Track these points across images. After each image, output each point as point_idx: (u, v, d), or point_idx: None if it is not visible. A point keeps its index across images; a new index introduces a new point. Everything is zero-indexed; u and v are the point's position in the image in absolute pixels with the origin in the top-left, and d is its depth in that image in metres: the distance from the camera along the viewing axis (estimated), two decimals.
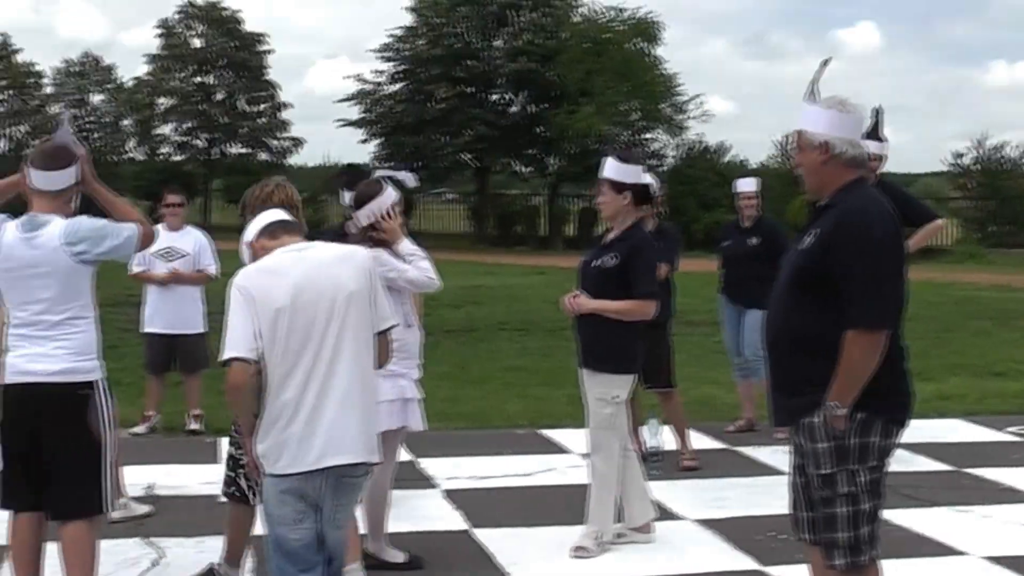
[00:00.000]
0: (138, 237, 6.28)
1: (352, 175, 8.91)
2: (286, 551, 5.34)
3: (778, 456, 10.26)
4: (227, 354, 5.22)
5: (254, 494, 6.78)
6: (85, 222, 6.19)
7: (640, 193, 7.92)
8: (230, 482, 7.03)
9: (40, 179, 6.23)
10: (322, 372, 5.26)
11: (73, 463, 6.14)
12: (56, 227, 6.12)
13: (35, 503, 6.27)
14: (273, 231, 5.60)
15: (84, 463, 6.15)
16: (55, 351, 6.10)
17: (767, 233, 11.43)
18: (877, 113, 9.45)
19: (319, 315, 5.28)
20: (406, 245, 7.44)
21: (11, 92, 66.23)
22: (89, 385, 6.18)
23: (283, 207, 6.81)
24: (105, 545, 6.72)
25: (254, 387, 5.27)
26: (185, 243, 11.29)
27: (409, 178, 8.20)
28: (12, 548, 6.39)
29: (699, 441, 10.83)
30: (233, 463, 6.99)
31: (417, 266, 7.38)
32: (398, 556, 7.56)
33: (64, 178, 6.25)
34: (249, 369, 5.19)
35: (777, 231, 11.64)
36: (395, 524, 7.80)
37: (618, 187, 7.82)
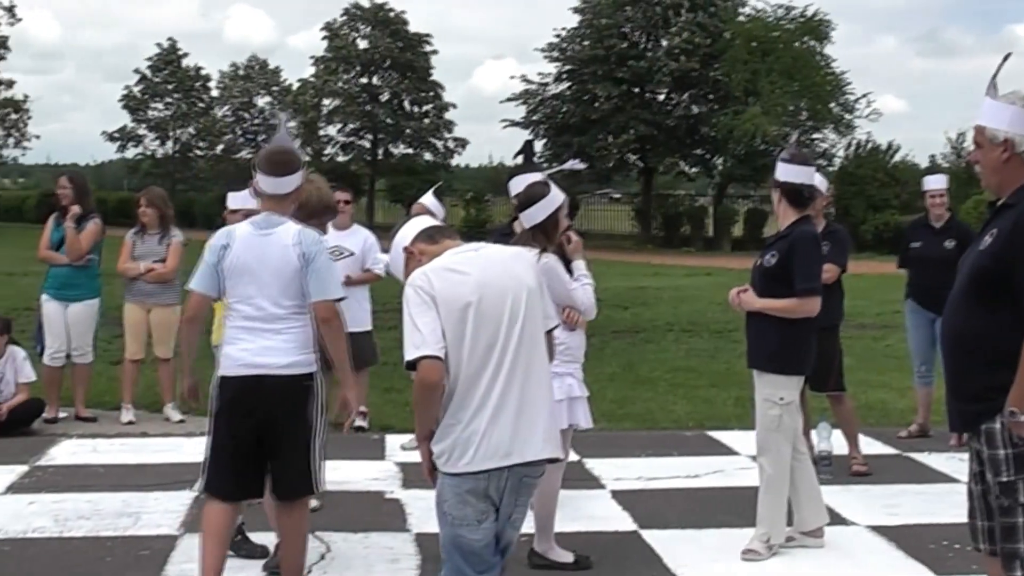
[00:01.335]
0: (324, 302, 6.56)
1: (528, 157, 8.88)
2: (465, 552, 5.31)
3: (953, 463, 10.08)
4: (417, 352, 5.15)
5: None
6: (318, 239, 6.63)
7: (789, 192, 7.78)
8: None
9: (268, 184, 6.64)
10: (507, 368, 5.25)
11: (297, 449, 6.51)
12: (290, 228, 6.55)
13: (239, 492, 6.61)
14: (431, 235, 5.61)
15: (305, 448, 6.53)
16: (281, 344, 6.46)
17: (962, 235, 10.81)
18: None
19: (504, 312, 5.28)
20: (580, 265, 7.50)
21: (178, 95, 67.75)
22: (310, 376, 6.54)
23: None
24: (274, 538, 6.80)
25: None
26: (352, 242, 11.11)
27: (576, 164, 8.15)
28: (207, 530, 6.63)
29: (871, 446, 10.66)
30: None
31: (584, 288, 7.41)
32: (566, 556, 7.55)
33: (289, 183, 6.67)
34: (441, 366, 5.16)
35: (971, 233, 11.04)
36: (563, 524, 7.80)
37: (774, 183, 7.82)
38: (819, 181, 9.55)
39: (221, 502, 6.58)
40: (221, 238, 6.61)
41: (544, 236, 7.28)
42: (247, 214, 7.44)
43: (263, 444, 6.48)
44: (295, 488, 6.61)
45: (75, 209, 11.88)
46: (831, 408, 10.23)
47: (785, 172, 7.76)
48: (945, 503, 8.89)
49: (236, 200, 9.01)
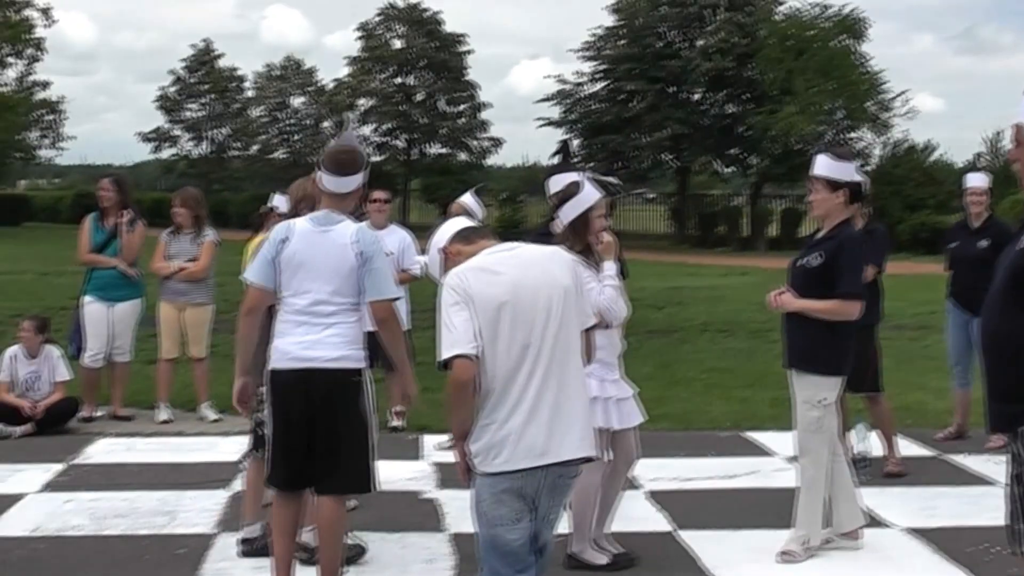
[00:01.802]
0: (382, 301, 6.64)
1: (565, 156, 8.85)
2: (503, 552, 5.33)
3: (990, 465, 10.01)
4: (450, 352, 5.19)
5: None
6: (376, 239, 6.76)
7: (854, 191, 7.72)
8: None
9: (331, 183, 6.75)
10: (542, 368, 5.26)
11: (348, 444, 6.57)
12: (349, 227, 6.64)
13: (302, 483, 6.68)
14: (467, 236, 5.64)
15: (357, 444, 6.60)
16: (331, 338, 6.54)
17: (997, 235, 10.59)
18: None
19: (538, 311, 5.28)
20: (608, 266, 7.42)
21: (213, 96, 68.03)
22: (359, 372, 6.62)
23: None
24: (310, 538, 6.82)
25: (476, 385, 5.27)
26: (390, 242, 10.87)
27: (611, 179, 8.17)
28: (275, 525, 6.79)
29: (908, 448, 10.58)
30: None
31: (604, 290, 7.30)
32: (601, 558, 7.51)
33: (352, 183, 6.78)
34: (473, 366, 5.18)
35: (1008, 233, 10.85)
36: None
37: (833, 185, 7.63)
38: (864, 179, 9.53)
39: (286, 497, 6.70)
40: (280, 232, 6.73)
41: (574, 235, 7.27)
42: None
43: (316, 438, 6.54)
44: (349, 485, 6.70)
45: (128, 213, 12.03)
46: (867, 409, 10.16)
47: (840, 170, 7.65)
48: (983, 505, 8.84)
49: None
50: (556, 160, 9.08)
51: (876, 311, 9.77)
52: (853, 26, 48.47)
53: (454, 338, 5.19)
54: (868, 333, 9.52)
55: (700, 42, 51.69)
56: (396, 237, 11.22)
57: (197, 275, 12.01)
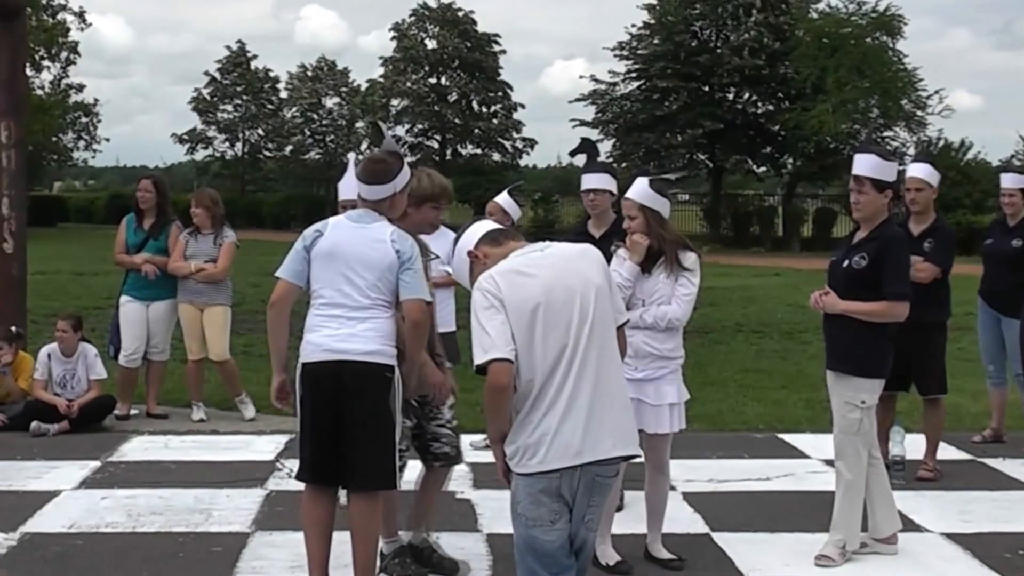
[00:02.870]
0: (419, 301, 6.65)
1: (591, 155, 8.84)
2: (539, 553, 5.29)
3: None
4: (487, 356, 5.16)
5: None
6: (413, 244, 6.78)
7: (895, 191, 7.63)
8: None
9: (364, 191, 6.82)
10: (576, 368, 5.23)
11: (374, 439, 6.52)
12: (387, 226, 6.70)
13: (332, 478, 6.64)
14: (495, 237, 5.61)
15: (383, 440, 6.54)
16: (365, 332, 6.52)
17: None
18: None
19: (573, 312, 5.26)
20: (629, 267, 7.38)
21: (247, 97, 68.33)
22: (392, 369, 6.57)
23: None
24: (347, 536, 6.82)
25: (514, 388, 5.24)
26: (437, 245, 10.94)
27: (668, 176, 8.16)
28: (306, 521, 6.76)
29: (945, 451, 10.41)
30: None
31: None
32: (608, 558, 7.46)
33: (380, 192, 6.79)
34: (510, 369, 5.16)
35: None
36: (634, 526, 7.78)
37: (880, 185, 7.50)
38: (929, 173, 9.48)
39: (315, 492, 6.68)
40: (316, 227, 6.78)
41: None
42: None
43: (344, 431, 6.50)
44: (374, 481, 6.61)
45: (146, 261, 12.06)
46: (924, 412, 10.00)
47: (887, 170, 7.50)
48: (1020, 510, 8.80)
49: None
50: (577, 159, 9.09)
51: (946, 309, 9.64)
52: (889, 23, 48.30)
53: (490, 342, 5.17)
54: (938, 330, 9.48)
55: (732, 37, 51.66)
56: (446, 240, 11.12)
57: (217, 276, 11.98)
